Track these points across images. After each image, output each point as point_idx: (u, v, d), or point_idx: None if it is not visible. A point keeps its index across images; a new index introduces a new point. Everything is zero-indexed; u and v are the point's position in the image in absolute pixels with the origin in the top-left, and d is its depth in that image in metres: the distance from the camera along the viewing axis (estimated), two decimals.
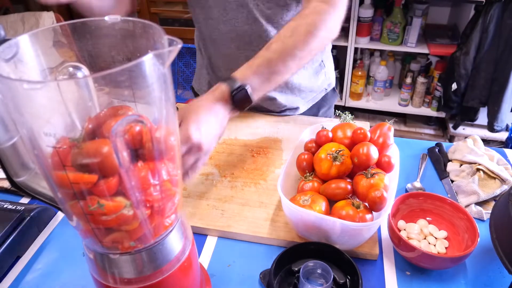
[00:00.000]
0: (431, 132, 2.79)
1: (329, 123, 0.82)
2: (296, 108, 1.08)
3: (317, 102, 1.12)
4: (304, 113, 1.10)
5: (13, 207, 0.73)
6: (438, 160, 0.91)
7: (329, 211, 0.68)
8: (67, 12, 3.03)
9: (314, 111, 1.13)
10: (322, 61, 1.08)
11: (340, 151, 0.71)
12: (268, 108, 1.07)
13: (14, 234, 0.69)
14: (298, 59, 0.74)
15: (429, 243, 0.68)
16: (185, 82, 3.01)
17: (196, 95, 1.19)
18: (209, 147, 0.69)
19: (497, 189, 0.78)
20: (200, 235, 0.74)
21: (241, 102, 0.72)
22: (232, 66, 0.81)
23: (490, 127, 2.31)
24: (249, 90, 0.71)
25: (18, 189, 0.49)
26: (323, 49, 0.97)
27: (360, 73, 2.69)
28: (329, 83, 1.12)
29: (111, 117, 0.39)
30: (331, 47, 1.11)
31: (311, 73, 1.06)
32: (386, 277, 0.66)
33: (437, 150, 0.94)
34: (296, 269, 0.63)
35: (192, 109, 0.69)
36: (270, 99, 1.04)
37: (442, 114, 2.65)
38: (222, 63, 1.02)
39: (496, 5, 2.07)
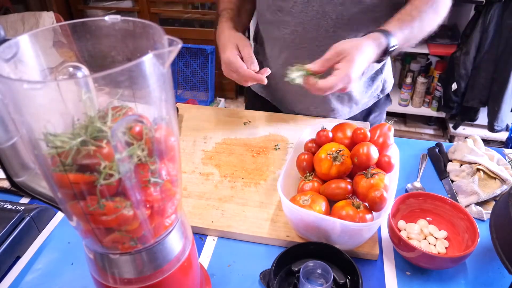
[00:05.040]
0: (431, 132, 2.79)
1: (329, 123, 0.82)
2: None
3: (368, 107, 1.10)
4: (354, 117, 1.08)
5: (13, 207, 0.73)
6: (438, 160, 0.91)
7: (329, 211, 0.68)
8: (67, 12, 3.04)
9: (364, 115, 1.11)
10: (380, 68, 1.04)
11: (340, 151, 0.71)
12: (320, 114, 1.06)
13: (14, 234, 0.69)
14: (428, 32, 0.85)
15: (429, 243, 0.68)
16: (185, 82, 3.00)
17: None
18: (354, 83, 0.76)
19: (497, 189, 0.78)
20: (200, 235, 0.74)
21: (384, 57, 0.79)
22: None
23: (490, 127, 2.31)
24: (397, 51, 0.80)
25: (18, 189, 0.49)
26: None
27: None
28: (383, 89, 1.09)
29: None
30: None
31: (366, 80, 1.03)
32: (386, 277, 0.66)
33: (437, 150, 0.94)
34: (296, 269, 0.63)
35: (357, 49, 0.74)
36: (332, 110, 1.04)
37: (442, 114, 2.65)
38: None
39: (496, 5, 2.06)
